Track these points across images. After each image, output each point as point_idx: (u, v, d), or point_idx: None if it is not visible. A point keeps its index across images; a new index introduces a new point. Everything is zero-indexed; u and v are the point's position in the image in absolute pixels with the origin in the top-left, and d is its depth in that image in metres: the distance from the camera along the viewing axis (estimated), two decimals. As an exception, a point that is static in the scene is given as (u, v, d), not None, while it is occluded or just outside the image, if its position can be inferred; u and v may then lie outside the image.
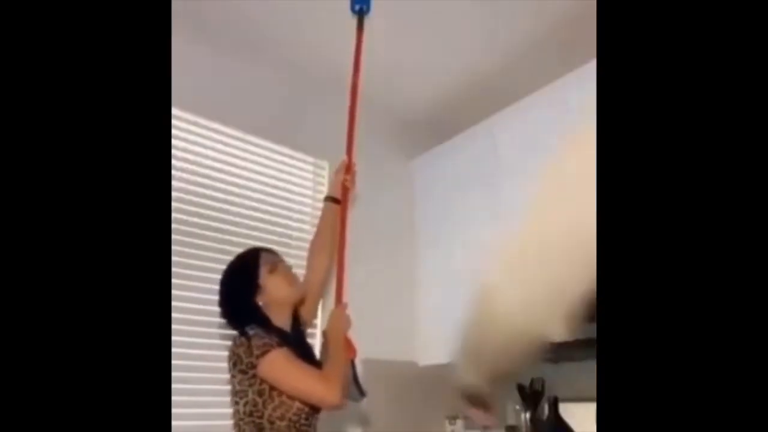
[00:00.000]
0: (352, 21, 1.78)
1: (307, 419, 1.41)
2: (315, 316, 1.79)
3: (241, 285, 1.51)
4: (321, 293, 1.80)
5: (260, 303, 1.50)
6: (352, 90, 1.72)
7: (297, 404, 1.38)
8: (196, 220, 1.94)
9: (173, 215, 1.87)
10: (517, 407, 2.04)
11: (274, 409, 1.36)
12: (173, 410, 1.59)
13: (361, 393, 1.54)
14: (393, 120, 2.66)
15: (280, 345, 1.38)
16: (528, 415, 2.00)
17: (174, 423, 1.55)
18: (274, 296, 1.51)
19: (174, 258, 1.82)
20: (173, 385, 1.61)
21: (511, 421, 2.14)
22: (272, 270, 1.53)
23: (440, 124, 2.63)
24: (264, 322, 1.46)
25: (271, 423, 1.36)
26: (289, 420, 1.37)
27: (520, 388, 2.04)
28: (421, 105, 2.57)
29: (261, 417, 1.36)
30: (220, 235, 1.97)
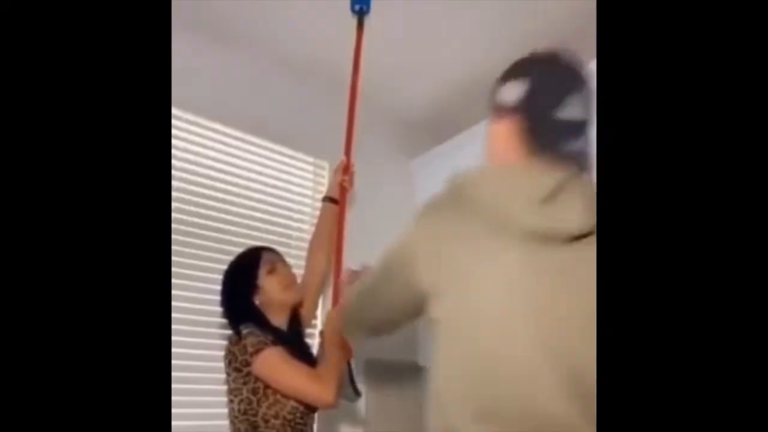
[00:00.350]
0: (352, 21, 1.77)
1: (302, 418, 1.41)
2: (314, 316, 1.79)
3: (240, 284, 1.52)
4: (319, 293, 1.80)
5: (258, 303, 1.50)
6: (351, 90, 1.72)
7: (291, 403, 1.38)
8: (196, 220, 1.94)
9: (173, 215, 1.87)
10: (517, 407, 2.03)
11: (268, 408, 1.37)
12: (173, 410, 1.59)
13: (356, 393, 1.54)
14: (393, 120, 2.66)
15: (275, 343, 1.38)
16: (528, 415, 2.00)
17: (174, 423, 1.56)
18: (271, 297, 1.51)
19: (174, 258, 1.82)
20: (173, 385, 1.61)
21: (511, 421, 2.13)
22: (271, 271, 1.54)
23: (440, 123, 2.63)
24: (261, 321, 1.46)
25: (266, 421, 1.36)
26: (284, 418, 1.37)
27: (520, 388, 2.03)
28: (422, 105, 2.57)
29: (255, 415, 1.36)
30: (220, 235, 1.97)
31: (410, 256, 0.90)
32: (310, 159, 2.34)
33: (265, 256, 1.57)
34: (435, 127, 2.64)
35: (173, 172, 1.90)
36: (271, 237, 2.11)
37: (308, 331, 1.72)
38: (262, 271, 1.52)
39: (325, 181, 2.33)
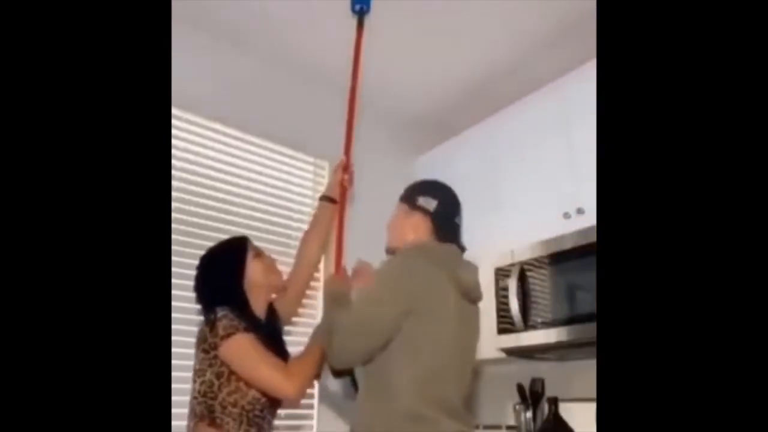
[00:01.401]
0: (352, 21, 1.77)
1: (261, 411, 1.39)
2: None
3: (228, 265, 1.51)
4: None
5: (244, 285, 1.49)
6: (351, 90, 1.72)
7: (253, 393, 1.36)
8: (196, 220, 1.94)
9: (173, 215, 1.87)
10: (517, 407, 2.04)
11: (228, 394, 1.35)
12: (173, 410, 1.59)
13: (357, 390, 1.54)
14: (396, 119, 2.66)
15: (247, 330, 1.36)
16: (528, 415, 2.00)
17: (174, 423, 1.55)
18: (255, 280, 1.51)
19: (174, 258, 1.82)
20: (173, 385, 1.60)
21: (511, 421, 2.14)
22: (257, 255, 1.54)
23: (443, 123, 2.63)
24: (241, 304, 1.45)
25: (223, 407, 1.35)
26: (242, 408, 1.35)
27: (520, 388, 2.04)
28: (424, 104, 2.57)
29: (214, 399, 1.35)
30: (220, 236, 1.96)
31: (406, 279, 1.29)
32: (310, 159, 2.34)
33: (251, 243, 1.57)
34: (438, 126, 2.65)
35: (173, 172, 1.90)
36: (271, 237, 2.11)
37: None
38: (250, 255, 1.52)
39: (325, 181, 2.33)
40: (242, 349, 1.34)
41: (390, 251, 1.52)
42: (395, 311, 1.25)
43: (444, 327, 1.29)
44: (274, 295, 1.60)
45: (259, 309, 1.52)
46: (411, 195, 1.49)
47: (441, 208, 1.44)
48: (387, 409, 1.24)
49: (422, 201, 1.45)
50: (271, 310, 1.58)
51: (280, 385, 1.34)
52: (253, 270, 1.51)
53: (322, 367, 1.47)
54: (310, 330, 1.82)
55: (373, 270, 1.61)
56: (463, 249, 1.47)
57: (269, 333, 1.49)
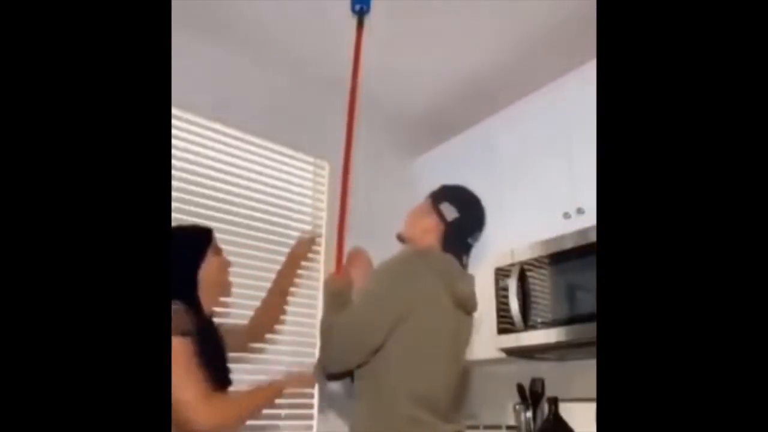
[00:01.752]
0: (352, 21, 1.77)
1: None
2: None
3: (188, 255, 1.38)
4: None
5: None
6: (351, 90, 1.72)
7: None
8: (196, 220, 1.94)
9: (173, 215, 1.87)
10: (517, 407, 2.04)
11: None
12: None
13: None
14: (394, 120, 2.66)
15: (188, 334, 1.22)
16: (528, 415, 2.00)
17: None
18: (208, 277, 1.38)
19: (174, 258, 1.82)
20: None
21: (511, 421, 2.14)
22: (217, 252, 1.44)
23: (442, 124, 2.63)
24: (193, 299, 1.33)
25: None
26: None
27: (520, 388, 2.04)
28: (423, 105, 2.57)
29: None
30: (220, 236, 1.96)
31: (404, 282, 1.29)
32: (310, 159, 2.34)
33: (215, 238, 1.46)
34: (436, 127, 2.65)
35: (173, 172, 1.90)
36: (271, 237, 2.11)
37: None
38: (211, 250, 1.42)
39: (326, 181, 2.34)
40: (173, 357, 1.14)
41: (400, 238, 1.51)
42: (392, 314, 1.26)
43: (438, 333, 1.30)
44: (214, 308, 1.46)
45: (207, 307, 1.39)
46: (438, 196, 1.48)
47: (458, 223, 1.41)
48: (383, 412, 1.25)
49: (444, 207, 1.43)
50: (211, 315, 1.43)
51: (194, 414, 1.16)
52: (209, 265, 1.39)
53: (252, 414, 1.36)
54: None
55: (368, 256, 1.59)
56: (464, 267, 1.44)
57: (211, 337, 1.36)
